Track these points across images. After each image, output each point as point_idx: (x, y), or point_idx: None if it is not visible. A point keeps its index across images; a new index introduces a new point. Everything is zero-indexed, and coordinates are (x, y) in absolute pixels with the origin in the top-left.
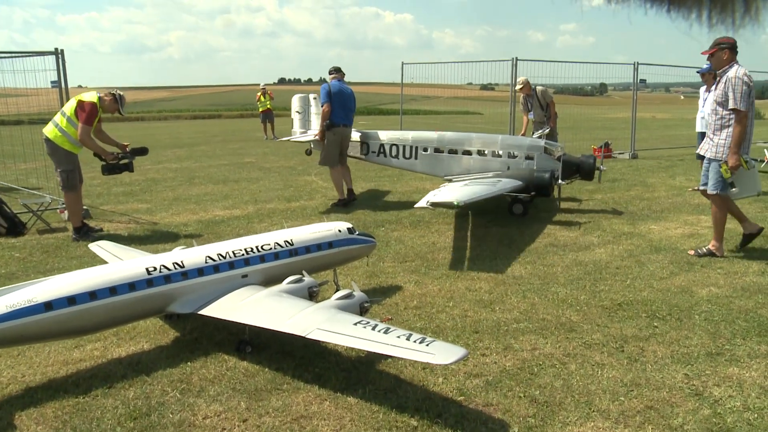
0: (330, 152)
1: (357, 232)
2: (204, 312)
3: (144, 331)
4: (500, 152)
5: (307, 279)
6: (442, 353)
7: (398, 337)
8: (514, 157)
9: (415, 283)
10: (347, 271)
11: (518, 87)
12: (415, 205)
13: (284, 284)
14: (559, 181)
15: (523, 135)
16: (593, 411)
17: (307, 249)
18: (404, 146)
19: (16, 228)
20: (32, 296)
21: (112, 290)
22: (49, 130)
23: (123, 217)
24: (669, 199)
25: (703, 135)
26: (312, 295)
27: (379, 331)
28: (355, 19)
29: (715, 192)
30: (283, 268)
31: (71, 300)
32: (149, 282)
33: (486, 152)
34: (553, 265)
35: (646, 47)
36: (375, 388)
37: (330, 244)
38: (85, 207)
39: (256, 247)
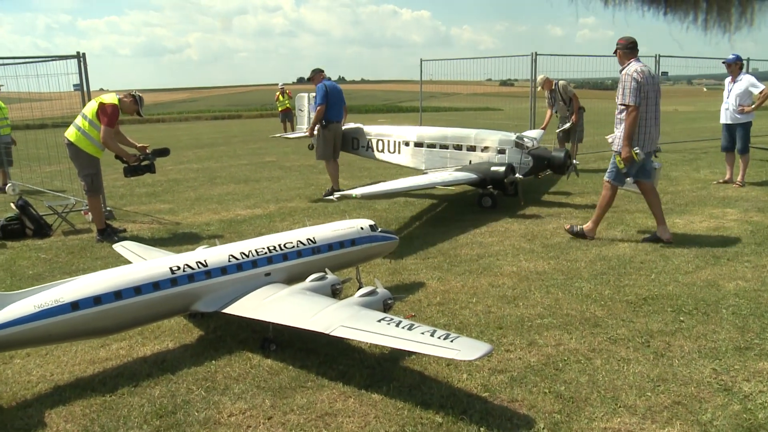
0: (326, 147)
1: (379, 229)
2: (228, 310)
3: (168, 329)
4: (474, 146)
5: (330, 276)
6: (467, 349)
7: (422, 333)
8: (486, 150)
9: (437, 280)
10: (370, 268)
11: (538, 88)
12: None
13: (307, 282)
14: (517, 175)
15: (543, 128)
16: (620, 407)
17: (330, 247)
18: (388, 141)
19: (42, 229)
20: (59, 296)
21: (137, 290)
22: (71, 133)
23: (146, 218)
24: (693, 193)
25: (728, 127)
26: (335, 292)
27: (403, 327)
28: (372, 17)
29: (608, 179)
30: (305, 266)
31: (97, 300)
32: (173, 281)
33: (462, 146)
34: (577, 260)
35: (667, 38)
36: (399, 384)
37: (352, 242)
38: (108, 208)
39: (279, 245)
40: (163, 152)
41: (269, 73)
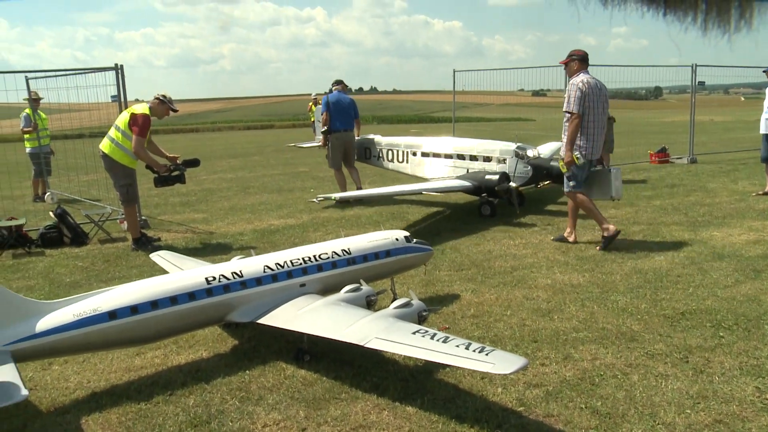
0: (334, 156)
1: (414, 241)
2: (263, 321)
3: (203, 339)
4: (476, 156)
5: (365, 288)
6: (502, 362)
7: (457, 346)
8: (489, 160)
9: (471, 292)
10: (404, 279)
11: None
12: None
13: (342, 293)
14: (511, 183)
15: None
16: (658, 424)
17: (365, 258)
18: (397, 151)
19: (79, 238)
20: (97, 306)
21: (173, 300)
22: (106, 145)
23: (180, 227)
24: (731, 205)
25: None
26: (370, 304)
27: (438, 340)
28: (404, 27)
29: (568, 190)
30: (340, 277)
31: (134, 309)
32: (209, 291)
33: (465, 156)
34: (612, 273)
35: (703, 47)
36: (434, 397)
37: (387, 253)
38: (144, 217)
39: (314, 256)
40: (194, 163)
41: (301, 84)
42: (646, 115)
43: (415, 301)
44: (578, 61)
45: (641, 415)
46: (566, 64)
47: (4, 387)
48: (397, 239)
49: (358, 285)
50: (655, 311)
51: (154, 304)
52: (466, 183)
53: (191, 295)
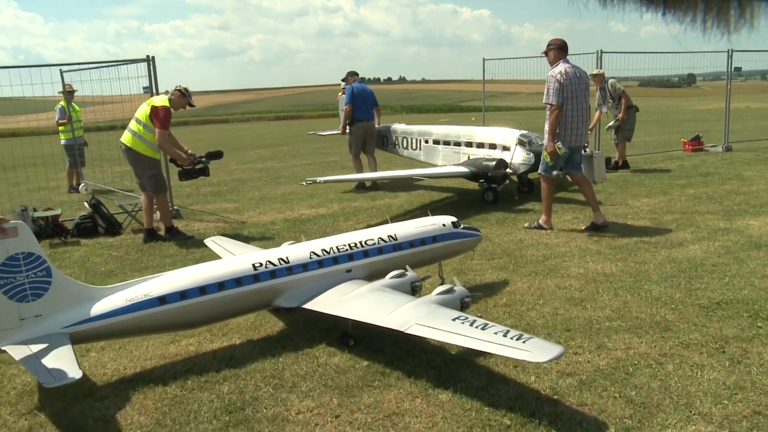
0: (355, 144)
1: (462, 226)
2: (308, 306)
3: (236, 327)
4: (482, 143)
5: (410, 274)
6: (538, 351)
7: (495, 333)
8: (494, 147)
9: (503, 281)
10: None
11: (594, 71)
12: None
13: (387, 279)
14: (509, 170)
15: (591, 129)
16: (694, 414)
17: (411, 243)
18: (411, 139)
19: (113, 228)
20: (148, 291)
21: (221, 285)
22: (128, 138)
23: (212, 217)
24: None
25: None
26: (414, 289)
27: (476, 327)
28: (432, 16)
29: (541, 172)
30: (386, 262)
31: (183, 294)
32: (256, 277)
33: (472, 144)
34: (645, 262)
35: (740, 33)
36: (466, 386)
37: (434, 239)
38: (176, 207)
39: (361, 242)
40: (217, 155)
41: (330, 74)
42: (678, 102)
43: (458, 288)
44: (556, 50)
45: (677, 405)
46: (546, 54)
47: (62, 367)
48: (444, 225)
49: (403, 271)
50: (689, 301)
51: (202, 290)
52: (464, 169)
53: (238, 281)
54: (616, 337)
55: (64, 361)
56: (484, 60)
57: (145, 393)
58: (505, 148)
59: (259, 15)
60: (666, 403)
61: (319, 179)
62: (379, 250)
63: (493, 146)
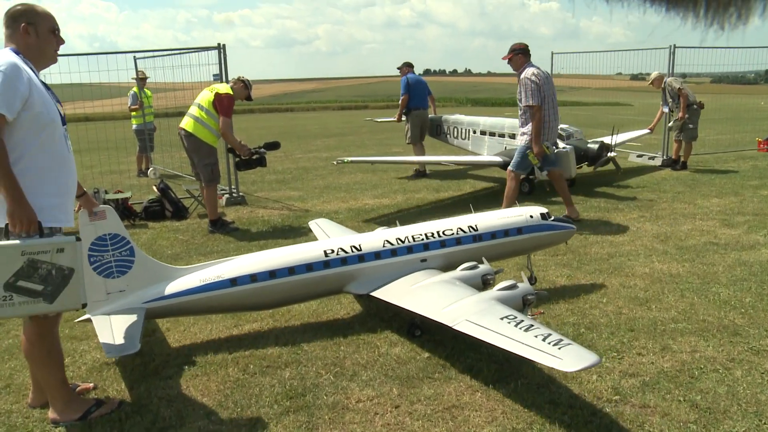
0: (413, 132)
1: (552, 218)
2: (377, 294)
3: (298, 314)
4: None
5: (483, 266)
6: (570, 358)
7: (536, 336)
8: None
9: (567, 278)
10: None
11: (653, 76)
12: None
13: (458, 271)
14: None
15: (650, 129)
16: (764, 423)
17: (493, 235)
18: (461, 129)
19: (180, 212)
20: (220, 273)
21: (291, 270)
22: (189, 124)
23: (276, 204)
24: None
25: None
26: (486, 283)
27: (520, 328)
28: (499, 8)
29: (512, 169)
30: (464, 253)
31: (253, 278)
32: (326, 264)
33: (514, 135)
34: (714, 264)
35: None
36: (527, 382)
37: (519, 230)
38: (241, 194)
39: (438, 232)
40: (274, 145)
41: (395, 65)
42: (754, 100)
43: (523, 284)
44: (521, 54)
45: (745, 413)
46: (510, 59)
47: (125, 340)
48: (531, 216)
49: (475, 263)
50: (761, 306)
51: (272, 274)
52: (497, 159)
53: (309, 267)
54: (681, 339)
55: (130, 334)
56: (552, 54)
57: (209, 375)
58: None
59: (326, 5)
60: (734, 410)
61: (346, 159)
62: (458, 241)
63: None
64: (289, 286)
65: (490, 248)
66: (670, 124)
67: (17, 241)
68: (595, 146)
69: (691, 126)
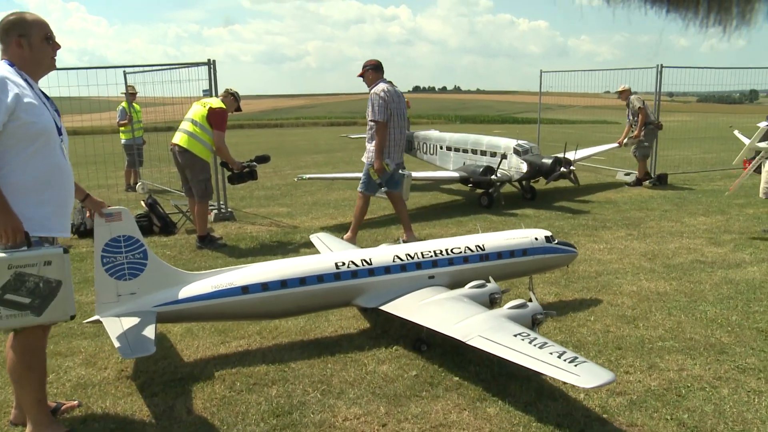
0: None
1: (556, 241)
2: (385, 308)
3: (285, 331)
4: (486, 151)
5: (490, 285)
6: (587, 375)
7: (551, 353)
8: (494, 155)
9: (555, 296)
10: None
11: (619, 88)
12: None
13: (466, 288)
14: (492, 176)
15: (619, 142)
16: None
17: (499, 255)
18: (430, 144)
19: (168, 227)
20: (232, 280)
21: (302, 281)
22: (183, 139)
23: (265, 220)
24: None
25: None
26: (493, 301)
27: (535, 345)
28: (488, 26)
29: (360, 190)
30: (471, 272)
31: (264, 286)
32: (337, 276)
33: (477, 151)
34: (701, 282)
35: None
36: (515, 400)
37: (524, 252)
38: (230, 209)
39: (447, 249)
40: (265, 159)
41: None
42: (740, 119)
43: (533, 304)
44: (372, 70)
45: (731, 431)
46: (363, 75)
47: (140, 342)
48: (536, 239)
49: (483, 282)
50: (747, 324)
51: (283, 283)
52: (455, 174)
53: (320, 278)
54: (668, 357)
55: (144, 337)
56: (541, 72)
57: (194, 392)
58: (503, 156)
59: (316, 22)
60: (720, 429)
61: (305, 176)
62: (465, 259)
63: (493, 154)
64: (299, 296)
65: (496, 268)
66: (625, 140)
67: (3, 254)
68: (549, 161)
69: (646, 144)
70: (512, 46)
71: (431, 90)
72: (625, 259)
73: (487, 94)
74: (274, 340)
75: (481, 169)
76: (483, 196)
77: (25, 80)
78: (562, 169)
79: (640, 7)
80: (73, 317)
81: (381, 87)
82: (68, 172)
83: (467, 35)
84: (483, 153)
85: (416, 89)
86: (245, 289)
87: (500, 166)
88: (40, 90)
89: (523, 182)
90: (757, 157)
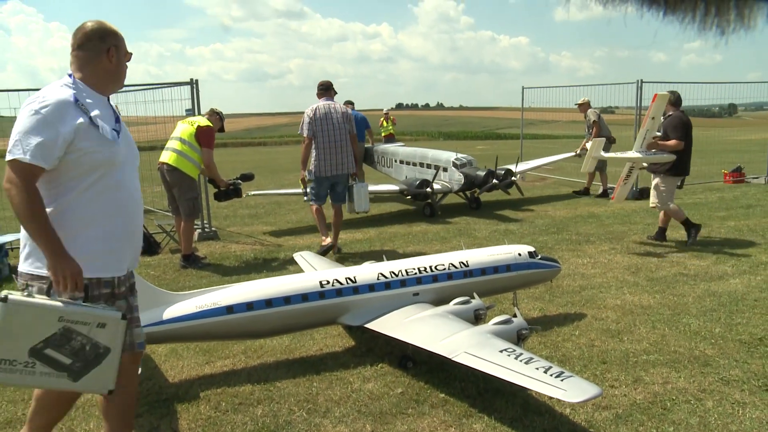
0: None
1: (539, 256)
2: (371, 326)
3: (271, 350)
4: (430, 164)
5: (475, 301)
6: (574, 390)
7: (537, 368)
8: (437, 168)
9: (539, 311)
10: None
11: (579, 101)
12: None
13: (450, 305)
14: (430, 189)
15: (576, 152)
16: None
17: (483, 271)
18: (387, 158)
19: (151, 247)
20: (217, 300)
21: (287, 300)
22: (171, 158)
23: (249, 239)
24: None
25: None
26: (478, 317)
27: (521, 361)
28: (470, 43)
29: (309, 201)
30: (455, 288)
31: (249, 306)
32: (321, 294)
33: (423, 164)
34: (684, 295)
35: None
36: (501, 416)
37: (507, 267)
38: (213, 228)
39: (431, 266)
40: (248, 177)
41: (368, 99)
42: (719, 133)
43: (517, 319)
44: (319, 90)
45: None
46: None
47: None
48: (519, 254)
49: (467, 298)
50: (730, 336)
51: (268, 303)
52: (395, 187)
53: (304, 297)
54: (653, 371)
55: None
56: (523, 88)
57: (180, 413)
58: (444, 169)
59: (298, 40)
60: None
61: (251, 192)
62: (449, 276)
63: (436, 167)
64: (284, 315)
65: (480, 284)
66: (579, 151)
67: (58, 304)
68: (482, 173)
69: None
70: (494, 62)
71: (414, 107)
72: (608, 273)
73: (470, 110)
74: (259, 359)
75: (417, 182)
76: (426, 206)
77: (91, 100)
78: (494, 181)
79: (637, 9)
80: (111, 392)
81: (312, 105)
82: (134, 204)
83: (449, 52)
84: (428, 166)
85: (399, 106)
86: (230, 309)
87: (437, 178)
88: (110, 105)
89: (467, 192)
90: (625, 167)
